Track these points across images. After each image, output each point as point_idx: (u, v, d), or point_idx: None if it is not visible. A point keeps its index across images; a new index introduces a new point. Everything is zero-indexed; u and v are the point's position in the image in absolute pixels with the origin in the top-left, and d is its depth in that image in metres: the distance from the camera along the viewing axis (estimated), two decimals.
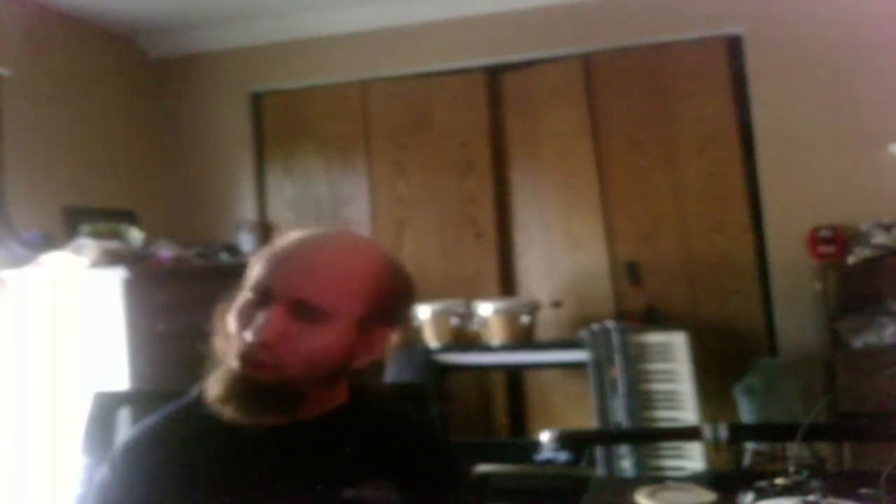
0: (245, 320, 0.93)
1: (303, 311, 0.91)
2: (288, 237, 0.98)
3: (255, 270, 0.96)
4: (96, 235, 2.97)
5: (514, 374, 3.64)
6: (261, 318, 0.91)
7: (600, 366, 2.85)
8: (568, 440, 1.90)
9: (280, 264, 0.94)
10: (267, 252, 0.97)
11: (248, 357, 0.91)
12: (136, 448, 0.98)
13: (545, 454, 2.76)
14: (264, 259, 0.96)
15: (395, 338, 1.02)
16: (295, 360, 0.91)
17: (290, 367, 0.91)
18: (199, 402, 1.00)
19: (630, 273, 3.35)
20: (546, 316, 3.30)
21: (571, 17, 3.52)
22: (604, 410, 2.82)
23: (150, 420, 1.02)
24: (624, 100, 3.53)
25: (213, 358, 0.97)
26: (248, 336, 0.90)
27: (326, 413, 0.99)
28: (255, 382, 0.91)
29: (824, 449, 2.41)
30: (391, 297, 0.99)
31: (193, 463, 0.95)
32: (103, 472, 0.98)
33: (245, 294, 0.95)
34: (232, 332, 0.94)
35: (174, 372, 2.57)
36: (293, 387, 0.93)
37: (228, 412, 0.92)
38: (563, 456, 2.77)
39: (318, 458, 0.95)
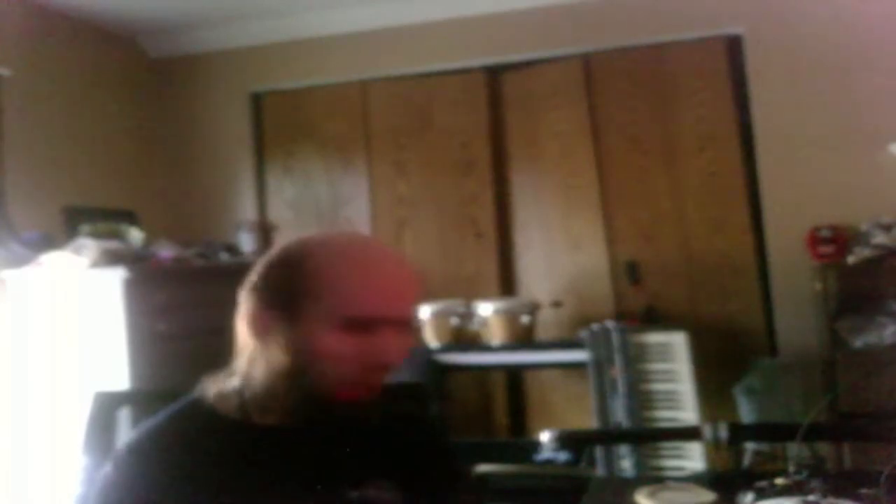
0: (348, 348, 0.93)
1: (401, 328, 0.97)
2: (367, 260, 0.97)
3: (340, 299, 0.93)
4: (96, 235, 2.96)
5: (514, 374, 3.64)
6: (378, 342, 0.94)
7: (600, 366, 2.85)
8: (568, 440, 1.90)
9: (384, 292, 0.96)
10: (356, 279, 0.95)
11: (365, 381, 0.95)
12: (140, 448, 0.98)
13: (545, 454, 2.76)
14: (357, 286, 0.94)
15: None
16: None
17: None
18: (202, 402, 1.00)
19: (630, 273, 3.35)
20: (546, 316, 3.30)
21: (571, 17, 3.53)
22: (604, 410, 2.82)
23: (154, 420, 1.01)
24: (624, 100, 3.53)
25: (260, 368, 0.97)
26: (383, 360, 0.94)
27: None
28: (344, 404, 0.94)
29: (824, 449, 2.42)
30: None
31: (197, 463, 0.95)
32: (106, 471, 0.97)
33: (333, 325, 0.93)
34: (319, 361, 0.93)
35: (174, 372, 2.57)
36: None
37: (275, 414, 0.96)
38: (563, 456, 2.77)
39: (321, 459, 0.96)
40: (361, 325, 0.93)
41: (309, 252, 0.97)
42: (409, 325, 0.98)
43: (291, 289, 0.95)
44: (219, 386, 0.99)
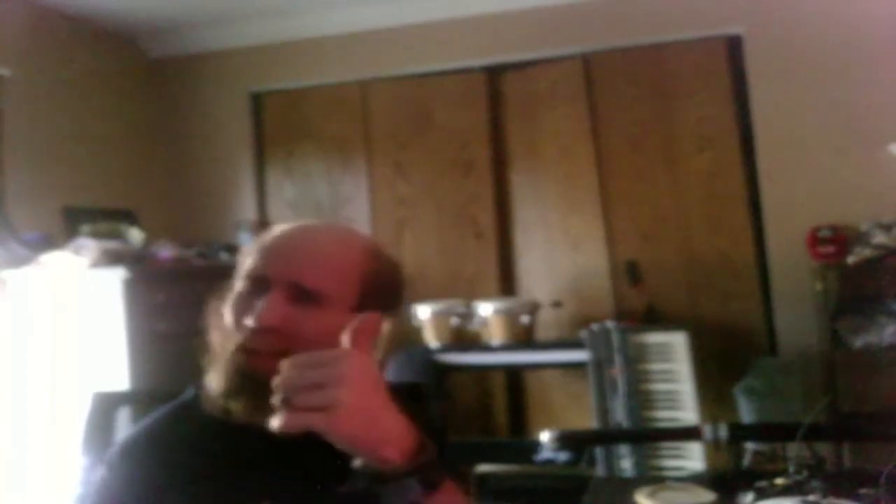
0: (242, 310, 0.93)
1: (300, 295, 0.92)
2: (277, 228, 1.00)
3: (247, 261, 0.97)
4: (96, 235, 2.96)
5: (514, 374, 3.64)
6: (259, 304, 0.91)
7: (600, 366, 2.85)
8: (568, 440, 1.90)
9: (273, 252, 0.95)
10: (257, 243, 0.98)
11: (251, 345, 0.91)
12: (133, 448, 0.98)
13: (545, 454, 2.76)
14: (255, 249, 0.97)
15: (390, 329, 1.02)
16: (296, 346, 0.90)
17: (291, 354, 0.91)
18: (194, 402, 1.00)
19: (630, 273, 3.35)
20: (546, 316, 3.30)
21: (571, 17, 3.53)
22: (604, 410, 2.82)
23: (147, 420, 1.02)
24: (624, 100, 3.53)
25: (208, 355, 0.97)
26: (249, 322, 0.90)
27: None
28: (258, 374, 0.89)
29: (824, 449, 2.42)
30: (382, 283, 1.00)
31: (190, 462, 0.95)
32: (101, 472, 0.98)
33: (238, 284, 0.96)
34: (229, 325, 0.94)
35: (174, 372, 2.56)
36: None
37: (234, 407, 0.92)
38: (563, 456, 2.77)
39: (315, 457, 0.95)
40: (254, 286, 0.93)
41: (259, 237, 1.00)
42: (307, 297, 0.92)
43: (237, 271, 0.98)
44: (207, 387, 0.99)
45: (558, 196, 3.61)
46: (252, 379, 0.90)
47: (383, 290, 1.00)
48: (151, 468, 0.95)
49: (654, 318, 3.25)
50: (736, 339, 3.31)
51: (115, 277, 2.68)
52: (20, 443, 2.76)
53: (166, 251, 3.02)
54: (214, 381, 0.93)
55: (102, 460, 1.00)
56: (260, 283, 0.93)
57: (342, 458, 0.95)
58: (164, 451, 0.96)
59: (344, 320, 0.94)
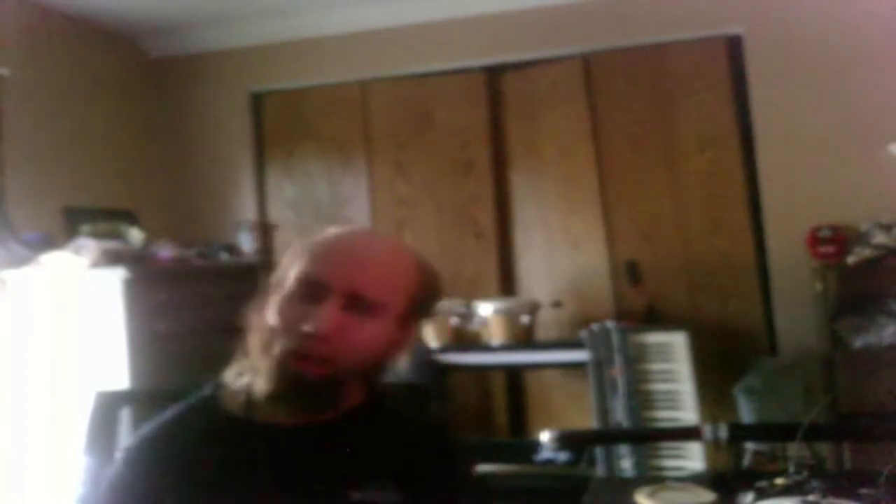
0: (293, 314, 0.93)
1: (357, 304, 0.93)
2: (330, 233, 1.01)
3: (300, 264, 0.96)
4: (96, 235, 2.96)
5: (514, 374, 3.64)
6: (317, 310, 0.91)
7: (600, 366, 2.85)
8: (568, 440, 1.90)
9: (331, 258, 0.96)
10: (310, 245, 0.98)
11: (301, 350, 0.91)
12: (151, 443, 0.98)
13: (545, 454, 2.77)
14: (309, 252, 0.97)
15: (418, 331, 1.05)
16: (346, 354, 0.93)
17: (340, 361, 0.93)
18: (214, 399, 1.00)
19: (630, 273, 3.35)
20: (546, 316, 3.30)
21: (571, 17, 3.53)
22: (604, 410, 2.82)
23: (165, 416, 1.01)
24: (624, 100, 3.53)
25: (242, 355, 0.97)
26: (307, 328, 0.91)
27: (343, 413, 0.99)
28: (304, 378, 0.92)
29: (824, 449, 2.42)
30: (428, 294, 1.03)
31: (202, 461, 0.95)
32: (116, 466, 0.98)
33: (289, 287, 0.95)
34: (275, 327, 0.94)
35: (174, 372, 2.57)
36: (337, 382, 0.95)
37: (282, 410, 0.94)
38: (563, 456, 2.77)
39: (332, 459, 0.95)
40: (309, 290, 0.93)
41: (303, 240, 1.00)
42: (363, 306, 0.93)
43: (279, 272, 0.99)
44: (228, 384, 0.99)
45: (558, 196, 3.61)
46: (299, 383, 0.92)
47: (427, 300, 1.03)
48: (169, 464, 0.95)
49: (654, 318, 3.25)
50: (736, 339, 3.31)
51: (115, 277, 2.67)
52: (20, 443, 2.76)
53: (166, 251, 3.01)
54: (258, 383, 0.93)
55: (118, 456, 1.00)
56: (315, 289, 0.93)
57: (357, 463, 0.96)
58: (181, 447, 0.97)
59: (391, 329, 0.97)
